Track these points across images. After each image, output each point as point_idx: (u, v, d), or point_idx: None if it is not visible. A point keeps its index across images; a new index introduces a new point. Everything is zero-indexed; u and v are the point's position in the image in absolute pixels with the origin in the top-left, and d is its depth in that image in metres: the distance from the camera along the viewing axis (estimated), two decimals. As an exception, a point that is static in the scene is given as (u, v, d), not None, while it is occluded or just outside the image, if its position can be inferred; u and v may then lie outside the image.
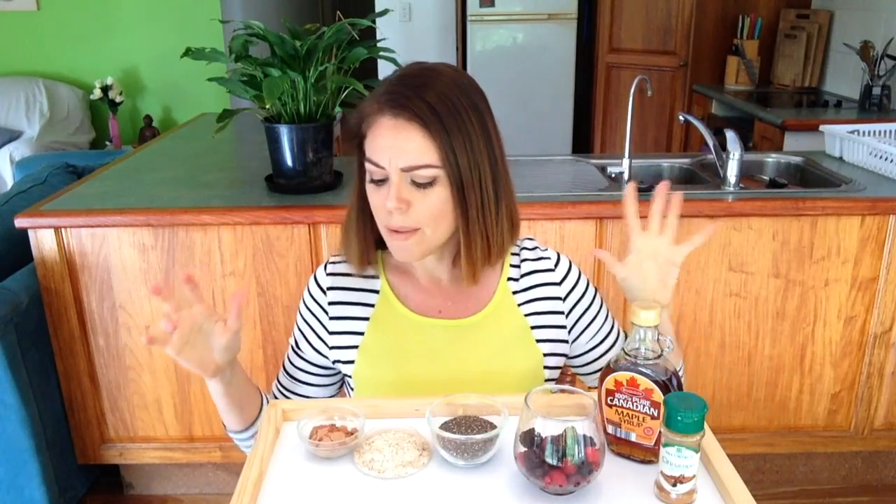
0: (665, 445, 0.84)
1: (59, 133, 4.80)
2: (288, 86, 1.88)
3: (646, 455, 0.93)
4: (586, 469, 0.85)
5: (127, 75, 5.09)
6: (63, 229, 1.94)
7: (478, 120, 1.03)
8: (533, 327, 1.16)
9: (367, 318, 1.14)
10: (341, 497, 0.89)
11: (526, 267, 1.18)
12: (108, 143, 5.07)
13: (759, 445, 2.21)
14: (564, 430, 0.85)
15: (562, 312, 1.18)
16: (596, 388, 0.96)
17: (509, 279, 1.17)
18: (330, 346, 1.16)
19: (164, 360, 2.07)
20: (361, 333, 1.14)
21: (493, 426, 0.94)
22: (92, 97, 4.91)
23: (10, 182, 4.25)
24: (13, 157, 4.34)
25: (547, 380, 1.18)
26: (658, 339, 0.92)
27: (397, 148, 1.00)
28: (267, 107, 1.86)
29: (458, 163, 1.01)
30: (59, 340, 2.02)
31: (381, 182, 1.03)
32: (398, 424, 1.00)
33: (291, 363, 1.22)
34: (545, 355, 1.16)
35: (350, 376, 1.16)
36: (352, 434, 0.96)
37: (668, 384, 0.90)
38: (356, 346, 1.14)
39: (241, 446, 1.13)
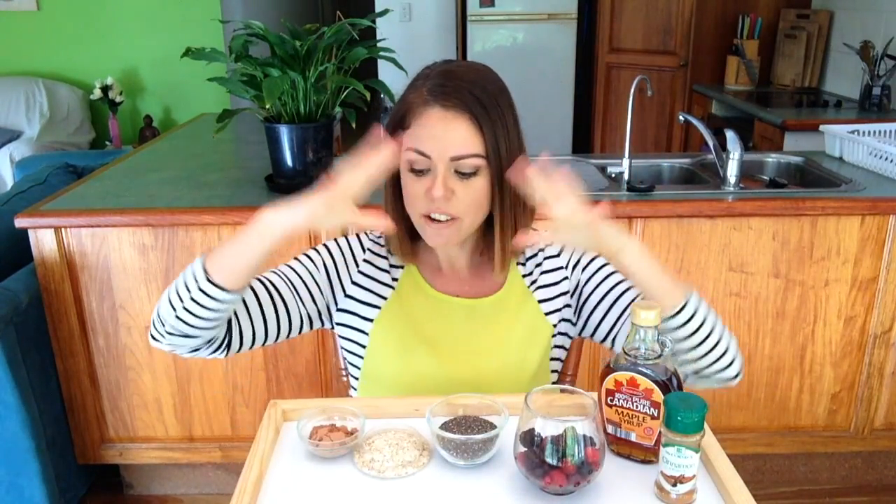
0: (665, 445, 0.84)
1: (59, 133, 4.79)
2: (288, 86, 1.88)
3: (646, 455, 0.93)
4: (586, 469, 0.85)
5: (127, 75, 5.09)
6: (63, 229, 1.94)
7: (511, 113, 1.09)
8: (540, 301, 1.21)
9: (392, 287, 1.20)
10: (341, 497, 0.89)
11: (529, 252, 1.24)
12: (108, 143, 5.06)
13: (759, 445, 2.21)
14: (564, 430, 0.85)
15: (567, 279, 1.22)
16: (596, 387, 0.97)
17: (518, 263, 1.23)
18: (347, 293, 1.19)
19: (164, 360, 2.07)
20: (385, 297, 1.19)
21: (493, 426, 0.94)
22: (92, 97, 4.91)
23: (10, 182, 4.25)
24: (13, 157, 4.34)
25: (553, 359, 1.22)
26: (658, 339, 0.92)
27: (446, 139, 1.05)
28: (267, 107, 1.86)
29: (500, 154, 1.06)
30: (59, 340, 2.02)
31: (421, 172, 1.07)
32: (398, 424, 1.00)
33: (270, 281, 1.14)
34: (554, 327, 1.21)
35: (365, 332, 1.18)
36: (352, 434, 0.96)
37: (668, 384, 0.90)
38: (377, 307, 1.18)
39: (197, 308, 0.99)
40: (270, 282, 1.15)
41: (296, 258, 1.21)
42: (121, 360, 2.06)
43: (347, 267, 1.21)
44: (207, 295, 0.97)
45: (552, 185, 0.97)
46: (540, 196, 0.99)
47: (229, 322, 1.08)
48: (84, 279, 1.99)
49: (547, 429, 0.85)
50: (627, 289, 1.17)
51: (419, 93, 1.08)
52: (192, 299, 0.98)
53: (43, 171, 2.44)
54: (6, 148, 4.44)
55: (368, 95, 1.95)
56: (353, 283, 1.20)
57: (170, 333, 1.02)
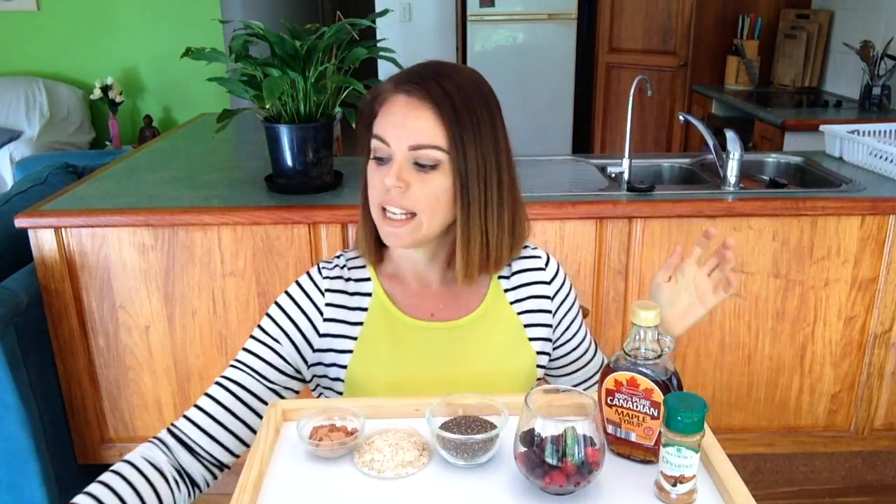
0: (665, 445, 0.84)
1: (59, 133, 4.80)
2: (288, 86, 1.88)
3: (646, 455, 0.93)
4: (586, 469, 0.85)
5: (127, 75, 5.10)
6: (63, 229, 1.94)
7: (489, 120, 1.04)
8: (525, 325, 1.16)
9: (360, 323, 1.12)
10: (341, 497, 0.89)
11: (517, 265, 1.18)
12: (108, 143, 5.07)
13: (758, 445, 2.21)
14: (564, 430, 0.84)
15: (549, 311, 1.19)
16: (595, 387, 0.96)
17: (500, 277, 1.17)
18: (315, 348, 1.12)
19: (164, 360, 2.07)
20: (355, 338, 1.12)
21: (493, 426, 0.94)
22: (92, 97, 4.92)
23: (10, 182, 4.25)
24: (13, 157, 4.34)
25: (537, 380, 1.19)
26: (658, 339, 0.92)
27: (407, 126, 1.01)
28: (267, 107, 1.86)
29: (465, 153, 1.01)
30: (59, 340, 2.02)
31: (382, 161, 1.03)
32: (398, 424, 1.00)
33: (236, 383, 1.08)
34: (537, 353, 1.17)
35: (340, 380, 1.13)
36: (352, 434, 0.96)
37: (668, 384, 0.90)
38: (349, 351, 1.12)
39: None
40: (235, 382, 1.08)
41: (253, 337, 1.11)
42: (121, 360, 2.06)
43: (312, 323, 1.11)
44: None
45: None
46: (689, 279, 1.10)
47: (185, 466, 1.04)
48: (84, 279, 1.99)
49: (547, 429, 0.85)
50: (585, 337, 1.25)
51: (390, 81, 1.06)
52: None
53: (43, 171, 2.44)
54: (6, 148, 4.44)
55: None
56: (321, 335, 1.12)
57: None
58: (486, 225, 1.05)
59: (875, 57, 3.18)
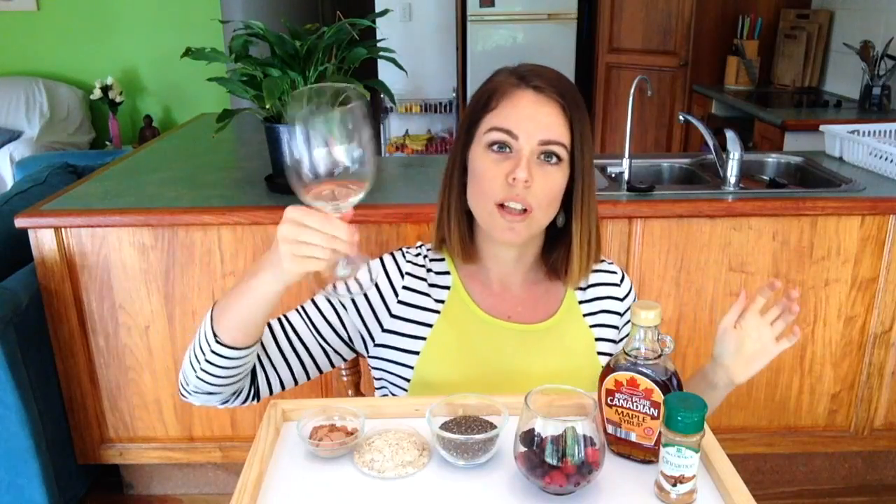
0: (665, 445, 0.84)
1: (59, 133, 4.80)
2: (288, 86, 1.87)
3: (646, 455, 0.93)
4: (586, 469, 0.85)
5: (127, 75, 5.10)
6: (63, 229, 1.94)
7: (589, 122, 1.09)
8: (596, 339, 1.17)
9: (437, 312, 1.13)
10: (341, 497, 0.89)
11: (593, 278, 1.19)
12: (108, 143, 5.07)
13: (759, 445, 2.21)
14: (564, 430, 0.84)
15: (616, 328, 1.19)
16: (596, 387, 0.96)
17: (577, 288, 1.18)
18: (385, 328, 1.13)
19: (163, 360, 2.07)
20: (430, 325, 1.12)
21: (493, 426, 0.94)
22: (92, 97, 4.92)
23: (10, 182, 4.25)
24: (13, 157, 4.34)
25: None
26: (658, 339, 0.92)
27: (538, 121, 1.03)
28: (267, 107, 1.86)
29: (583, 150, 1.05)
30: (59, 340, 2.02)
31: (503, 153, 1.05)
32: (398, 424, 1.00)
33: (293, 328, 1.11)
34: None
35: (409, 366, 1.11)
36: (352, 434, 0.96)
37: (668, 384, 0.90)
38: (422, 338, 1.12)
39: (215, 366, 1.00)
40: (292, 327, 1.12)
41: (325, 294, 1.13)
42: (121, 360, 2.06)
43: (385, 301, 1.13)
44: (220, 355, 0.99)
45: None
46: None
47: (254, 371, 1.08)
48: (84, 279, 1.99)
49: (547, 429, 0.85)
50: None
51: (508, 78, 1.07)
52: (208, 361, 1.00)
53: (43, 171, 2.44)
54: (6, 148, 4.44)
55: (368, 95, 1.95)
56: (393, 315, 1.13)
57: (196, 391, 1.04)
58: (591, 220, 1.10)
59: (875, 57, 3.18)
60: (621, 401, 0.92)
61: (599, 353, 1.17)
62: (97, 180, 2.24)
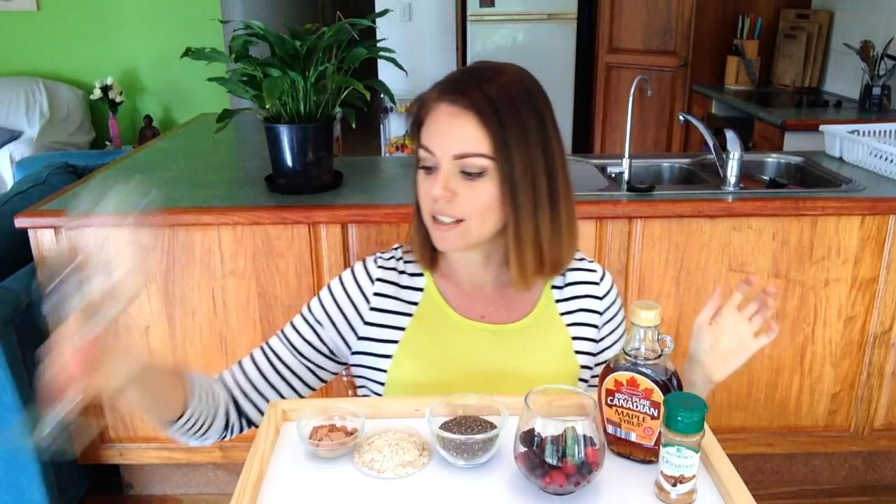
0: (665, 445, 0.84)
1: (59, 133, 4.80)
2: (288, 86, 1.88)
3: (646, 455, 0.93)
4: (586, 469, 0.85)
5: (127, 75, 5.10)
6: (63, 229, 1.94)
7: (536, 122, 1.03)
8: (573, 338, 1.16)
9: (410, 315, 1.13)
10: (341, 497, 0.89)
11: (571, 277, 1.18)
12: (108, 143, 5.07)
13: (759, 445, 2.21)
14: (564, 430, 0.84)
15: (596, 326, 1.18)
16: (596, 387, 0.96)
17: (553, 287, 1.17)
18: (360, 335, 1.13)
19: (163, 360, 2.06)
20: (402, 329, 1.13)
21: (493, 426, 0.94)
22: (92, 97, 4.92)
23: (10, 182, 4.25)
24: (13, 157, 4.34)
25: None
26: (658, 339, 0.92)
27: (451, 135, 1.01)
28: (267, 107, 1.86)
29: (511, 158, 1.00)
30: (59, 340, 2.02)
31: (430, 169, 1.04)
32: (398, 424, 1.00)
33: (275, 353, 1.14)
34: (581, 367, 1.16)
35: (383, 370, 1.13)
36: (352, 434, 0.96)
37: (668, 384, 0.90)
38: (395, 341, 1.12)
39: (183, 440, 1.07)
40: (274, 352, 1.14)
41: (301, 314, 1.16)
42: (121, 360, 2.06)
43: (358, 310, 1.13)
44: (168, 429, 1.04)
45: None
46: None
47: (238, 405, 1.12)
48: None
49: (547, 429, 0.85)
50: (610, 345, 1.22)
51: (435, 89, 1.05)
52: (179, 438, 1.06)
53: (43, 171, 2.44)
54: (6, 148, 4.44)
55: (368, 95, 1.95)
56: (366, 323, 1.13)
57: (190, 439, 1.08)
58: (539, 228, 1.05)
59: (875, 57, 3.18)
60: (621, 401, 0.92)
61: (577, 353, 1.16)
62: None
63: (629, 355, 0.92)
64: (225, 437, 1.11)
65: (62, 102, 4.87)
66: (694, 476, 0.84)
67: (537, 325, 1.14)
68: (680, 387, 0.92)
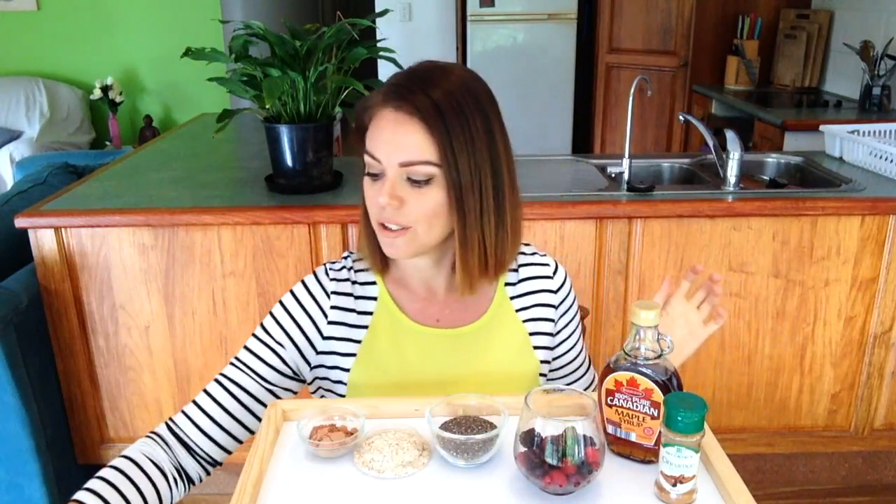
0: (665, 445, 0.84)
1: (59, 133, 4.80)
2: (288, 86, 1.88)
3: (646, 455, 0.93)
4: (586, 469, 0.85)
5: (127, 75, 5.10)
6: (63, 229, 1.94)
7: (483, 124, 1.00)
8: (531, 333, 1.15)
9: (365, 326, 1.12)
10: (341, 497, 0.89)
11: (524, 272, 1.17)
12: (108, 143, 5.07)
13: (759, 445, 2.21)
14: (564, 430, 0.84)
15: (552, 320, 1.18)
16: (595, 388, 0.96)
17: (507, 284, 1.16)
18: (318, 350, 1.12)
19: (163, 360, 2.07)
20: (359, 341, 1.11)
21: (493, 426, 0.94)
22: (92, 97, 4.92)
23: (10, 182, 4.25)
24: (13, 157, 4.34)
25: None
26: (658, 339, 0.92)
27: (396, 142, 0.98)
28: (267, 107, 1.86)
29: (458, 164, 0.98)
30: (59, 340, 2.02)
31: (376, 176, 1.01)
32: (398, 424, 1.00)
33: (234, 382, 1.09)
34: (541, 362, 1.16)
35: (343, 382, 1.12)
36: (352, 434, 0.96)
37: (668, 384, 0.90)
38: (352, 354, 1.11)
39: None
40: (232, 381, 1.09)
41: (256, 336, 1.11)
42: (121, 360, 2.06)
43: (317, 325, 1.11)
44: None
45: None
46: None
47: (192, 451, 1.08)
48: (84, 279, 1.99)
49: (547, 429, 0.85)
50: (581, 351, 1.24)
51: (379, 92, 1.02)
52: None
53: (43, 171, 2.44)
54: (6, 148, 4.44)
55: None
56: (325, 337, 1.11)
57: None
58: (484, 233, 1.03)
59: (875, 57, 3.18)
60: (621, 401, 0.92)
61: (536, 348, 1.15)
62: (97, 180, 2.24)
63: (629, 355, 0.92)
64: (193, 486, 1.11)
65: (62, 102, 4.87)
66: (694, 476, 0.84)
67: (493, 324, 1.13)
68: (680, 387, 0.92)
